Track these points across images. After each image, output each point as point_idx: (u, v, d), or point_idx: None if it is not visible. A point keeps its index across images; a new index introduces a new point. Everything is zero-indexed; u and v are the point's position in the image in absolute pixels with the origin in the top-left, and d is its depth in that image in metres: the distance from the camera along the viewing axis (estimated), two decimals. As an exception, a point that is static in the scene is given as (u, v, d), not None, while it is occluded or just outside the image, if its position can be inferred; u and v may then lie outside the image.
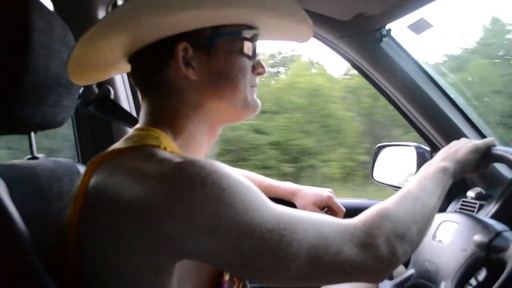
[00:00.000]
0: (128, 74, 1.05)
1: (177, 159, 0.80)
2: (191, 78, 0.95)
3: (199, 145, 1.01)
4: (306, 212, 0.85)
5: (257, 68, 1.04)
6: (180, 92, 0.96)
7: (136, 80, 1.02)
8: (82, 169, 1.21)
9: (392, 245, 0.85)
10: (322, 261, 0.80)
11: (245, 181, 0.81)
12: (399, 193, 0.98)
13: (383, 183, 1.93)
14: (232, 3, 0.91)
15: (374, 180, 1.97)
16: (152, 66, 0.96)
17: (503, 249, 1.03)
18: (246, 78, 1.00)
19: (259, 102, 1.05)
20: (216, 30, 0.96)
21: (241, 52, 0.99)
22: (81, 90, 1.50)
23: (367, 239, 0.84)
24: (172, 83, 0.96)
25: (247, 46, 1.00)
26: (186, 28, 0.93)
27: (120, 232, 0.78)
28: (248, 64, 1.01)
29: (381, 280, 0.87)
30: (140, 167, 0.80)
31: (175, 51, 0.93)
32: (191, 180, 0.75)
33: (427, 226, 0.95)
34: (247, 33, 0.99)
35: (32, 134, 1.15)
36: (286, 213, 0.82)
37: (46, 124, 1.11)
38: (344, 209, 1.53)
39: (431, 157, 1.79)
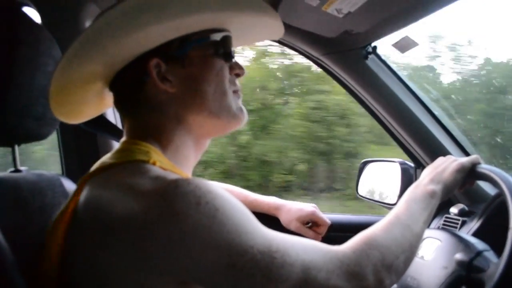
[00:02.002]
0: None
1: (171, 177, 0.81)
2: (170, 92, 0.95)
3: (187, 158, 1.01)
4: (297, 237, 0.85)
5: (234, 69, 1.03)
6: (161, 108, 0.96)
7: (117, 103, 1.02)
8: (65, 182, 1.20)
9: (379, 275, 0.86)
10: (311, 287, 0.80)
11: (238, 203, 0.82)
12: (388, 218, 0.98)
13: (367, 199, 1.94)
14: (190, 12, 0.91)
15: (359, 195, 1.98)
16: (129, 88, 0.97)
17: (482, 270, 1.04)
18: (225, 82, 1.00)
19: (245, 112, 1.05)
20: (185, 40, 0.96)
21: (214, 55, 0.99)
22: None
23: (355, 268, 0.84)
24: (152, 100, 0.96)
25: (219, 49, 0.99)
26: (153, 44, 0.93)
27: (110, 248, 0.78)
28: (225, 66, 1.00)
29: None
30: (134, 183, 0.80)
31: (148, 69, 0.93)
32: (185, 199, 0.75)
33: (413, 254, 0.95)
34: (216, 36, 0.99)
35: (16, 146, 1.14)
36: (278, 236, 0.82)
37: (30, 137, 1.10)
38: (329, 222, 1.53)
39: (415, 173, 1.81)
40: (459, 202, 1.65)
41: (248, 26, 1.07)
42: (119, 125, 1.79)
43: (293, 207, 1.57)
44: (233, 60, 1.04)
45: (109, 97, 1.05)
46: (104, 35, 0.87)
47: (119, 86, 0.99)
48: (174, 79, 0.95)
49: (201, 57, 0.97)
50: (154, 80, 0.94)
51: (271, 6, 1.01)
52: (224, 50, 1.00)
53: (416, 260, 1.25)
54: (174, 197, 0.75)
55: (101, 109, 1.12)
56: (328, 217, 1.56)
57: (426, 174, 1.14)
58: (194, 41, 0.97)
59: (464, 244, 1.16)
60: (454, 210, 1.58)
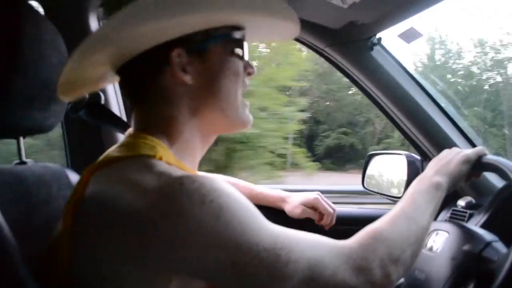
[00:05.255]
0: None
1: (176, 174, 0.80)
2: (187, 84, 0.94)
3: (194, 153, 1.01)
4: (302, 232, 0.85)
5: (247, 68, 1.03)
6: (176, 99, 0.95)
7: (127, 90, 1.01)
8: (71, 174, 1.20)
9: (386, 269, 0.85)
10: (317, 283, 0.79)
11: (243, 199, 0.81)
12: (393, 212, 0.97)
13: (373, 191, 1.93)
14: (223, 7, 0.90)
15: (365, 188, 1.97)
16: (145, 75, 0.95)
17: (492, 260, 1.03)
18: (239, 81, 1.00)
19: (251, 118, 1.05)
20: (208, 34, 0.94)
21: (233, 53, 0.98)
22: None
23: (362, 263, 0.83)
24: (168, 90, 0.94)
25: (238, 47, 0.99)
26: (178, 34, 0.91)
27: (115, 243, 0.77)
28: (240, 65, 1.00)
29: None
30: (139, 179, 0.79)
31: (170, 58, 0.91)
32: (190, 197, 0.75)
33: (420, 247, 0.95)
34: (236, 34, 0.99)
35: (21, 138, 1.14)
36: (283, 233, 0.81)
37: (35, 129, 1.10)
38: (331, 210, 1.56)
39: (422, 166, 1.79)
40: (466, 195, 1.64)
41: (263, 27, 1.06)
42: (124, 117, 1.80)
43: (297, 197, 1.59)
44: (246, 59, 1.03)
45: (110, 78, 1.04)
46: (134, 20, 0.84)
47: (132, 72, 0.96)
48: (193, 72, 0.94)
49: (221, 54, 0.97)
50: (174, 70, 0.92)
51: None
52: (241, 48, 1.00)
53: (424, 253, 1.24)
54: (179, 195, 0.75)
55: (98, 87, 1.10)
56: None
57: (432, 166, 1.13)
58: (217, 36, 0.96)
59: (472, 235, 1.15)
60: (461, 203, 1.57)
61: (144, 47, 0.90)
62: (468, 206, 1.54)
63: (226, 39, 0.97)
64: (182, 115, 0.96)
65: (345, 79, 1.79)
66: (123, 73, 0.98)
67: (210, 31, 0.94)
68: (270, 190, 1.64)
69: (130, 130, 1.02)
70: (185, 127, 0.97)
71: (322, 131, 21.59)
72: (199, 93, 0.96)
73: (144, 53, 0.92)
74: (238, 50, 0.99)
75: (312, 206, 1.57)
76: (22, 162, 1.14)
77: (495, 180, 1.67)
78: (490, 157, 1.14)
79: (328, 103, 22.52)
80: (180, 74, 0.93)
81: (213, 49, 0.96)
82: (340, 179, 15.49)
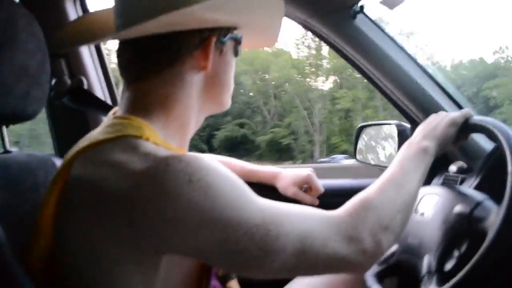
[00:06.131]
0: (118, 53, 0.99)
1: (161, 154, 0.80)
2: (206, 71, 0.96)
3: (186, 134, 1.01)
4: (291, 205, 0.86)
5: None
6: (189, 85, 0.96)
7: (135, 64, 0.96)
8: (58, 162, 1.19)
9: (376, 237, 0.86)
10: (308, 255, 0.81)
11: (231, 175, 0.81)
12: (382, 179, 0.98)
13: (366, 163, 1.93)
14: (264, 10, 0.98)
15: (357, 160, 1.97)
16: (169, 54, 0.93)
17: (483, 219, 1.03)
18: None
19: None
20: (228, 30, 0.98)
21: (236, 53, 1.03)
22: (53, 82, 1.48)
23: (352, 232, 0.85)
24: (186, 74, 0.95)
25: (239, 46, 1.04)
26: (217, 24, 0.95)
27: (102, 224, 0.77)
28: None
29: (365, 271, 0.88)
30: (124, 161, 0.79)
31: (207, 44, 0.94)
32: (176, 176, 0.75)
33: (409, 213, 0.96)
34: (240, 33, 1.03)
35: (4, 127, 1.13)
36: (272, 207, 0.82)
37: (17, 117, 1.09)
38: (322, 189, 1.57)
39: (412, 133, 1.79)
40: (457, 159, 1.64)
41: (255, 31, 1.09)
42: (109, 101, 1.78)
43: (289, 173, 1.59)
44: None
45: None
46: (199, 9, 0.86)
47: (155, 47, 0.93)
48: (211, 61, 0.96)
49: (230, 50, 1.02)
50: (203, 56, 0.94)
51: None
52: (239, 47, 1.05)
53: (416, 218, 1.24)
54: (165, 175, 0.75)
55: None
56: (323, 183, 1.59)
57: (419, 132, 1.14)
58: (233, 34, 1.01)
59: (462, 196, 1.15)
60: (453, 168, 1.57)
61: (181, 28, 0.91)
62: (460, 170, 1.54)
63: (235, 38, 1.02)
64: (188, 100, 0.97)
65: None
66: (140, 43, 0.93)
67: (230, 28, 0.99)
68: (262, 167, 1.65)
69: (115, 109, 1.02)
70: (186, 110, 0.97)
71: (225, 123, 21.61)
72: (209, 81, 0.99)
73: (180, 33, 0.92)
74: (238, 49, 1.03)
75: (306, 183, 1.57)
76: (7, 151, 1.13)
77: (485, 143, 1.66)
78: (477, 118, 1.14)
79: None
80: (204, 60, 0.95)
81: (228, 46, 1.00)
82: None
